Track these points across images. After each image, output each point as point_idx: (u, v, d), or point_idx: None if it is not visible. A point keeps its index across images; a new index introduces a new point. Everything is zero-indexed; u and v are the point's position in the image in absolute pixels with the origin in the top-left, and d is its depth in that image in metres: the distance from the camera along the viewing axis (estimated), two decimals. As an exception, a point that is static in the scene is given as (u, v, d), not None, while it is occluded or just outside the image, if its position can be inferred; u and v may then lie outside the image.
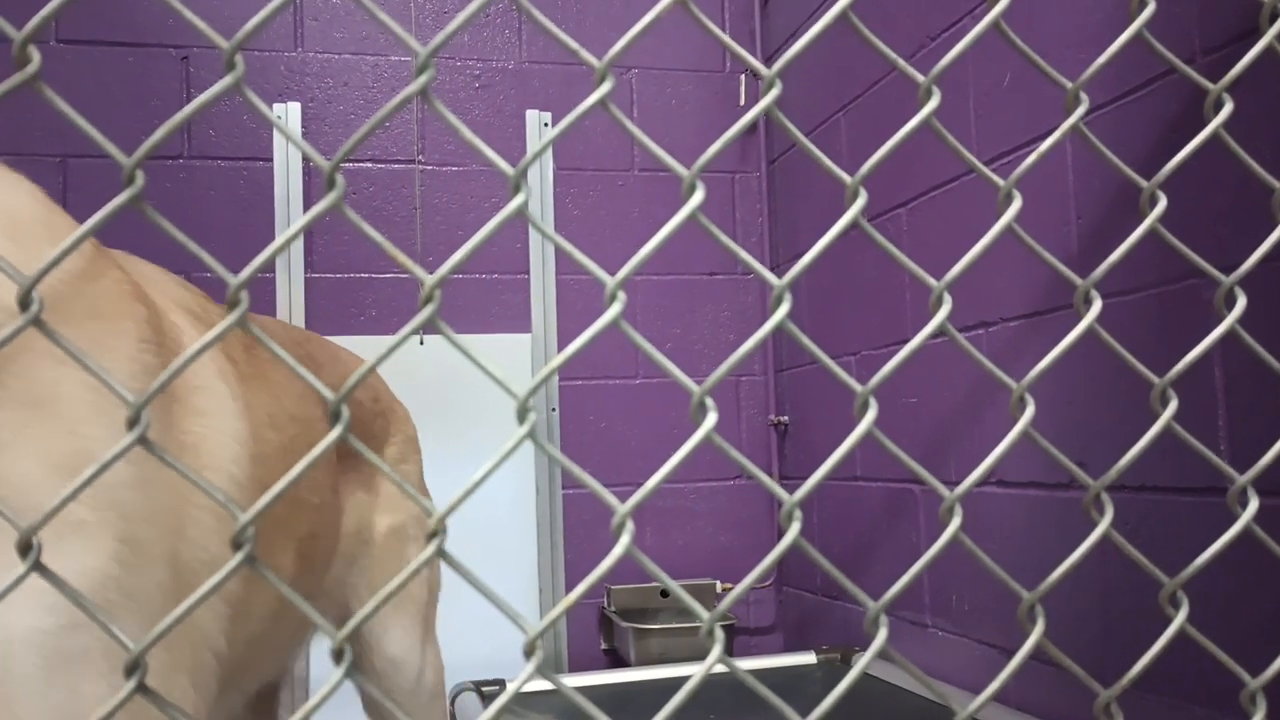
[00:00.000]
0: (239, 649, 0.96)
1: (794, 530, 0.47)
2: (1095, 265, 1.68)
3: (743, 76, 3.04)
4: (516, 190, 0.51)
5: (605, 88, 0.53)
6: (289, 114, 2.70)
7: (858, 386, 0.51)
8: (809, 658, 2.42)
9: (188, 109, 0.49)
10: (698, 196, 0.53)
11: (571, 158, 2.87)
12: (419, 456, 1.58)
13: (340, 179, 0.49)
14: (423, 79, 0.51)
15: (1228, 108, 0.60)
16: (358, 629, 1.39)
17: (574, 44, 0.55)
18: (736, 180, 3.04)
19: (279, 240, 0.49)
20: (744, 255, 0.52)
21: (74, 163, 2.56)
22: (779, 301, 0.52)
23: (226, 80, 0.49)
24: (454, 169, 2.82)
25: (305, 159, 2.71)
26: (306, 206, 2.68)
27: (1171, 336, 1.48)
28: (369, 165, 2.78)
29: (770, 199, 3.05)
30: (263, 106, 0.49)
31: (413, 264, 0.48)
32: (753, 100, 3.02)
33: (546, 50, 2.90)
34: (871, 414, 0.51)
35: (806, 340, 0.50)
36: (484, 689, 2.16)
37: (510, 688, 0.44)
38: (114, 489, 0.74)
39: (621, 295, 0.50)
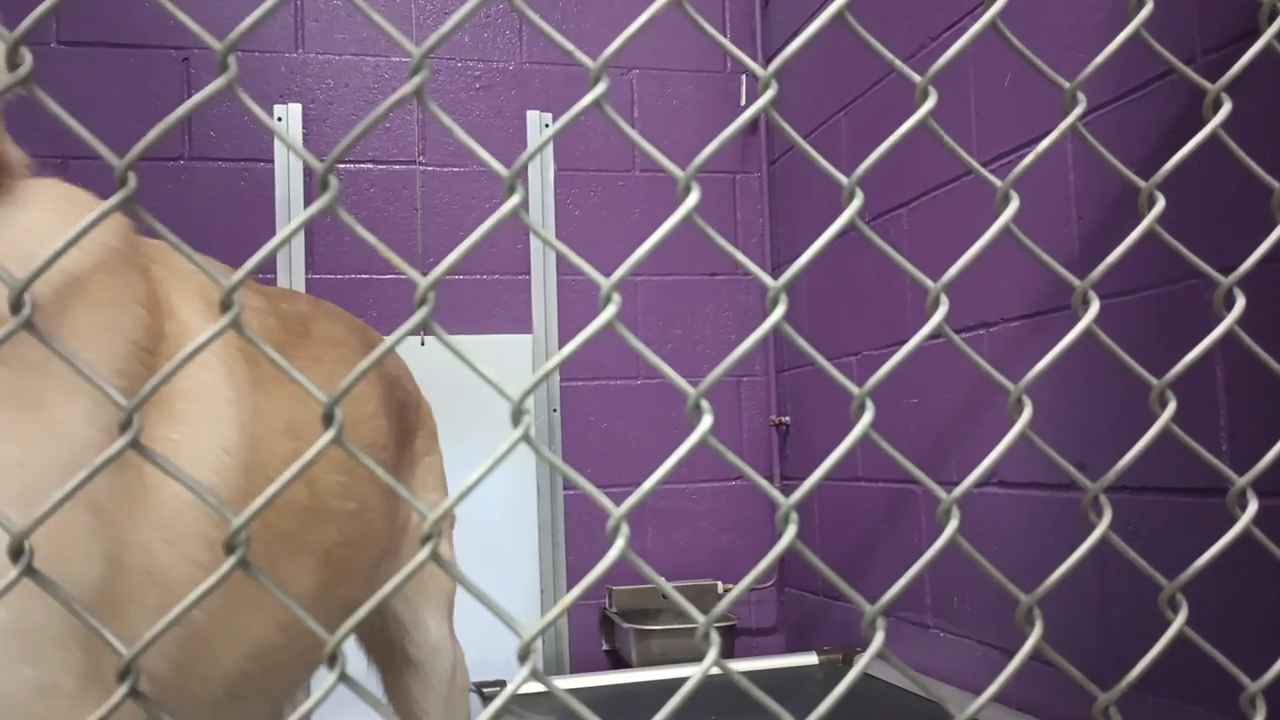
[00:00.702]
0: (231, 667, 0.93)
1: (790, 533, 0.46)
2: (1095, 263, 1.67)
3: (743, 77, 3.04)
4: (511, 191, 0.51)
5: (600, 88, 0.53)
6: (290, 115, 2.70)
7: (854, 388, 0.51)
8: (810, 658, 2.42)
9: (180, 110, 0.49)
10: (693, 198, 0.52)
11: (572, 158, 2.87)
12: (439, 449, 1.58)
13: (334, 181, 0.49)
14: (416, 80, 0.51)
15: (1226, 107, 0.60)
16: (397, 620, 1.37)
17: (569, 45, 0.54)
18: (737, 181, 3.04)
19: (271, 243, 0.49)
20: (740, 257, 0.52)
21: (76, 164, 2.55)
22: (775, 303, 0.51)
23: (219, 81, 0.49)
24: (455, 170, 2.82)
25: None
26: (307, 207, 2.68)
27: (1171, 337, 1.48)
28: (369, 166, 2.78)
29: (771, 199, 3.05)
30: (257, 109, 0.49)
31: (407, 266, 0.48)
32: (754, 101, 3.02)
33: (547, 51, 2.90)
34: (868, 416, 0.50)
35: (803, 342, 0.50)
36: (485, 690, 2.16)
37: (505, 690, 0.44)
38: (44, 475, 0.71)
39: (616, 297, 0.50)
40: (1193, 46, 1.43)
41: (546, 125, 2.83)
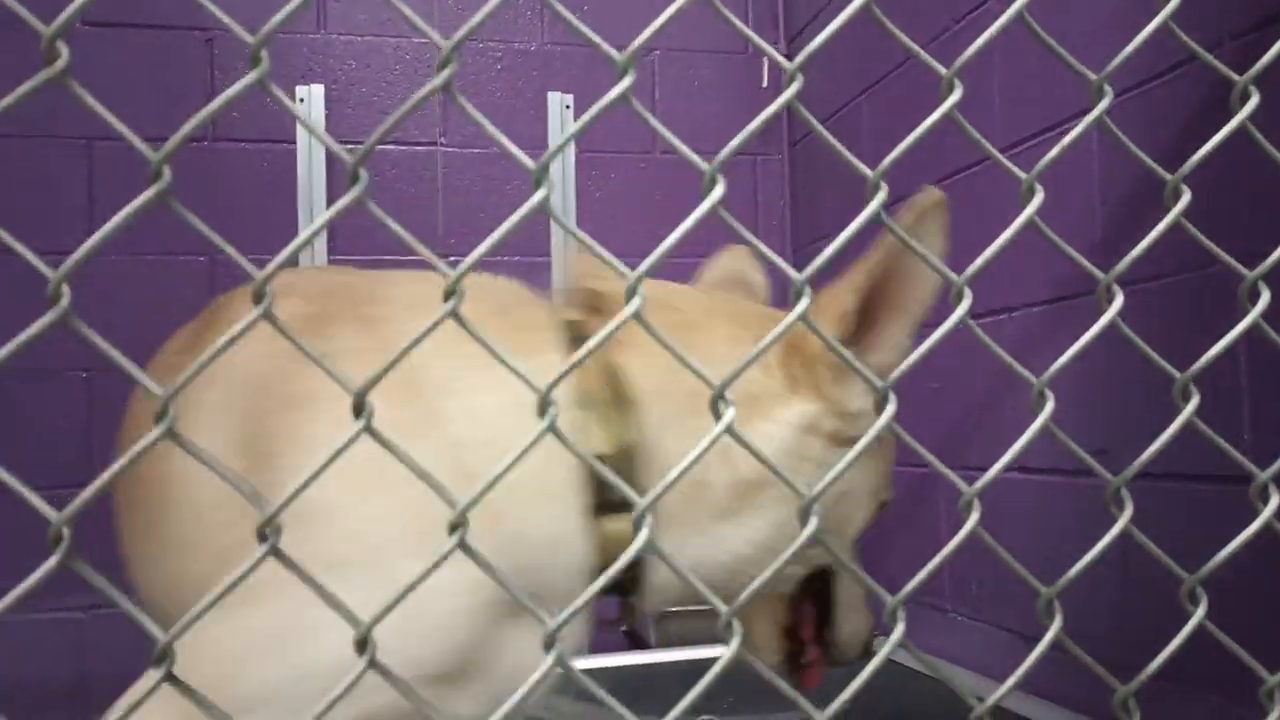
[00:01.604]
0: None
1: (812, 524, 0.47)
2: (1119, 250, 1.66)
3: (764, 59, 3.02)
4: (538, 184, 0.51)
5: (627, 81, 0.54)
6: (312, 96, 2.71)
7: (877, 381, 0.51)
8: (828, 641, 2.42)
9: (213, 105, 0.50)
10: (718, 191, 0.53)
11: (593, 140, 2.87)
12: None
13: (364, 174, 0.50)
14: (445, 73, 0.51)
15: (1254, 100, 0.59)
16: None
17: (595, 36, 0.55)
18: (758, 162, 3.03)
19: (302, 235, 0.50)
20: (763, 248, 0.53)
21: (100, 145, 2.57)
22: (799, 295, 0.52)
23: (252, 76, 0.50)
24: (477, 151, 2.82)
25: (328, 141, 2.71)
26: (330, 189, 2.69)
27: (1194, 322, 1.47)
28: (390, 147, 2.78)
29: (792, 181, 3.04)
30: (287, 101, 0.49)
31: (436, 259, 0.48)
32: (775, 82, 3.00)
33: (569, 32, 2.89)
34: (890, 409, 0.51)
35: (827, 335, 0.51)
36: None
37: (530, 680, 0.45)
38: None
39: (642, 290, 0.50)
40: (1220, 31, 1.42)
41: (568, 107, 2.83)
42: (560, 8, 0.54)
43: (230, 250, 0.48)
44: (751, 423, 0.84)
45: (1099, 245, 1.70)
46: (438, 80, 0.50)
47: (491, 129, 0.51)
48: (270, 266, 0.47)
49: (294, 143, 2.70)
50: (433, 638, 0.74)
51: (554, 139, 2.84)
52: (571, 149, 2.86)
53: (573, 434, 0.73)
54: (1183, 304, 1.50)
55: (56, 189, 2.54)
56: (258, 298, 0.47)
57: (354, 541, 0.73)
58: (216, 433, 0.81)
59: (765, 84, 3.02)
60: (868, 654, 1.07)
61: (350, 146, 2.78)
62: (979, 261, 0.51)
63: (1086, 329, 0.54)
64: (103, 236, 0.46)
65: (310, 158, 2.69)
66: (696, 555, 0.87)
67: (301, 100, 2.70)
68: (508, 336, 0.71)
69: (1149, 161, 0.56)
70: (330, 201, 2.71)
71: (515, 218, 0.49)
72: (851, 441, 0.79)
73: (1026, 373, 0.52)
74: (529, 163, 0.51)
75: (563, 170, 2.84)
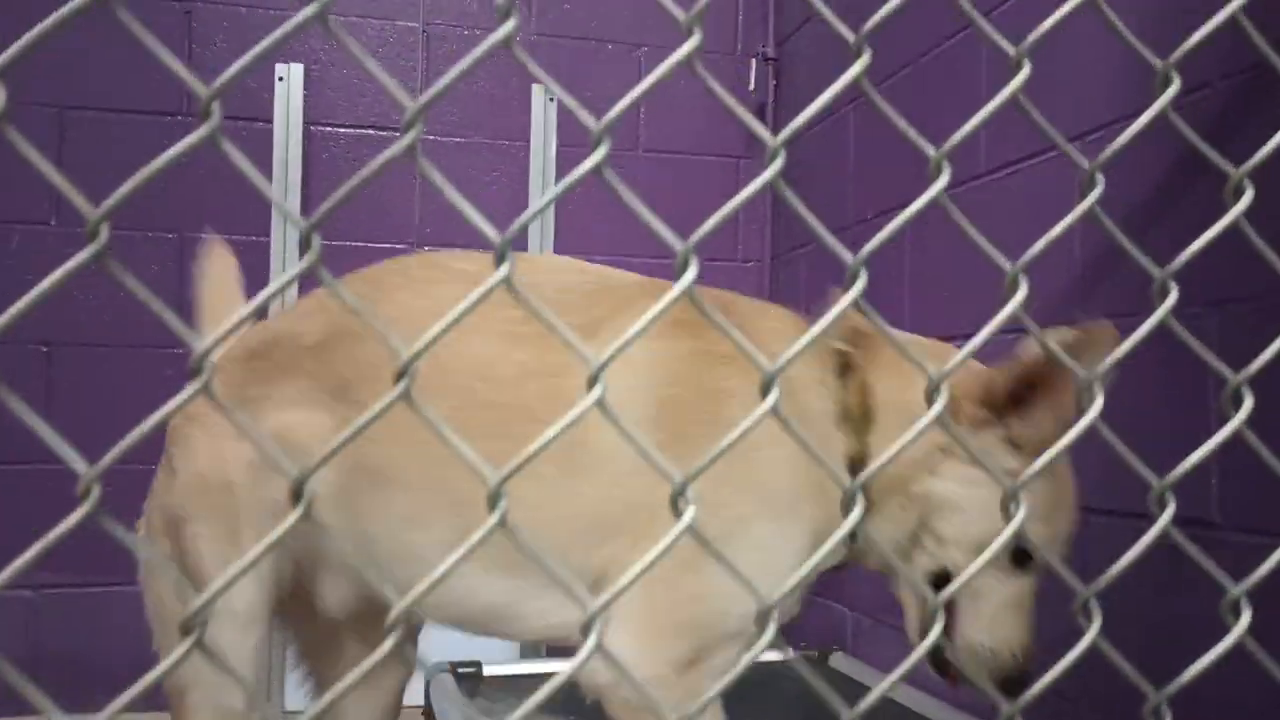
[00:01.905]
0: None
1: (770, 633, 0.45)
2: (1097, 290, 1.66)
3: (753, 61, 3.00)
4: (502, 260, 0.48)
5: (602, 151, 0.51)
6: (291, 75, 2.66)
7: (845, 480, 0.49)
8: (787, 655, 2.42)
9: (161, 159, 0.47)
10: (691, 273, 0.51)
11: (575, 134, 2.83)
12: None
13: (317, 240, 0.47)
14: (410, 136, 0.49)
15: (1248, 195, 0.58)
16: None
17: (573, 102, 0.52)
18: (741, 167, 3.00)
19: (259, 297, 0.47)
20: (746, 345, 0.50)
21: (71, 114, 2.51)
22: (767, 389, 0.50)
23: (201, 131, 0.47)
24: (457, 141, 2.78)
25: (306, 122, 2.66)
26: (305, 170, 2.65)
27: (1170, 356, 1.46)
28: (370, 131, 2.74)
29: (774, 187, 3.01)
30: (251, 171, 0.47)
31: (389, 334, 0.46)
32: (762, 85, 2.97)
33: (556, 24, 2.85)
34: (857, 511, 0.49)
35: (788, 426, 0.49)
36: (460, 670, 2.16)
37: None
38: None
39: (602, 366, 0.48)
40: (1206, 74, 1.40)
41: (551, 100, 2.79)
42: (540, 73, 0.51)
43: (173, 321, 0.45)
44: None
45: (1078, 279, 1.69)
46: (399, 146, 0.47)
47: (456, 196, 0.49)
48: (208, 341, 0.44)
49: (270, 122, 2.65)
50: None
51: (538, 133, 2.80)
52: (553, 144, 2.82)
53: (830, 442, 1.12)
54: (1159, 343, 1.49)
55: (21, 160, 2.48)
56: (195, 372, 0.44)
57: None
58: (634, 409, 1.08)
59: (752, 86, 2.99)
60: (1006, 690, 1.08)
61: (327, 129, 2.72)
62: (965, 351, 0.50)
63: (1057, 444, 0.52)
64: (33, 300, 0.43)
65: (287, 137, 2.64)
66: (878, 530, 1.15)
67: (281, 79, 2.64)
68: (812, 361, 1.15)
69: (1140, 257, 0.54)
70: (305, 180, 2.66)
71: (473, 298, 0.47)
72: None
73: (1002, 478, 0.50)
74: (494, 236, 0.48)
75: (543, 166, 2.81)
